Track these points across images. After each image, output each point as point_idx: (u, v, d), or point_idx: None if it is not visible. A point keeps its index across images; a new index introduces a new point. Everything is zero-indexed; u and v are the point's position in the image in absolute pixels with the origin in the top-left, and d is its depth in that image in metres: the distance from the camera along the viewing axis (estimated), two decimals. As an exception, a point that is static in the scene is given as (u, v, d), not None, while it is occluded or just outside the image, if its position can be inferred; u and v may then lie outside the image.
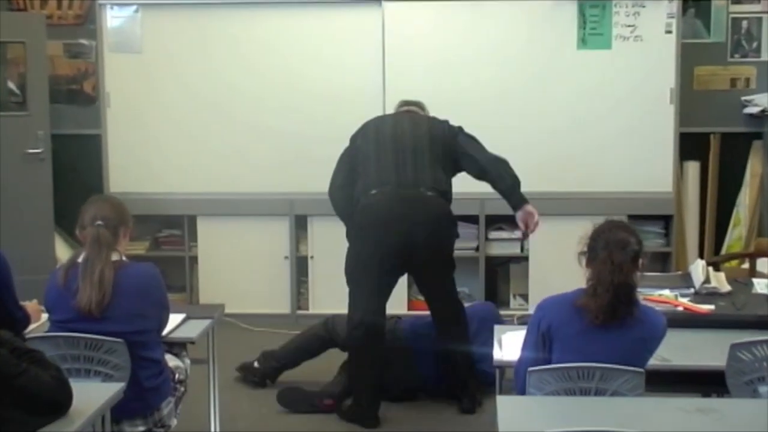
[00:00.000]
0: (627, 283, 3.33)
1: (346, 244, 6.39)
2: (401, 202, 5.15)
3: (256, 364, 5.67)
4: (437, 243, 5.22)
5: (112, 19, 7.00)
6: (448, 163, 5.34)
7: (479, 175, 5.36)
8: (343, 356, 5.51)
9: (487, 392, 5.21)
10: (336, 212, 5.50)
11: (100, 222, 3.76)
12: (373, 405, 5.21)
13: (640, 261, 3.40)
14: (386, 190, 5.17)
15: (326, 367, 5.63)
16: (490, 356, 3.97)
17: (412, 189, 5.19)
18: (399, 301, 6.65)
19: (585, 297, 3.37)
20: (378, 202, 5.17)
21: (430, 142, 5.31)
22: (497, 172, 5.31)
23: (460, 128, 5.42)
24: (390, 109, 6.75)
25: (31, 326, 4.07)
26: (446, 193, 5.27)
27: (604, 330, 3.34)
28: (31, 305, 4.13)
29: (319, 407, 5.34)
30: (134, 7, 6.97)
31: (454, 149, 5.34)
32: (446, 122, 5.44)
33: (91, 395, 3.20)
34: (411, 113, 5.60)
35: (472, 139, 5.40)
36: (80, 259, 3.74)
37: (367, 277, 5.19)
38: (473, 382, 5.35)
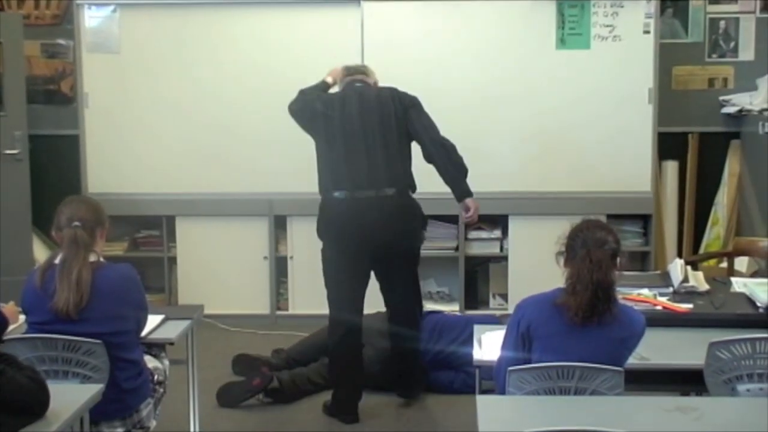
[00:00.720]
0: (606, 281, 3.34)
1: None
2: (358, 206, 5.11)
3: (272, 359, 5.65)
4: (398, 242, 5.21)
5: (90, 19, 6.97)
6: (404, 143, 5.24)
7: (426, 158, 5.27)
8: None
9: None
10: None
11: (76, 223, 3.74)
12: (354, 400, 5.23)
13: (618, 259, 3.42)
14: (345, 195, 5.13)
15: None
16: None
17: (368, 190, 5.12)
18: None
19: (564, 295, 3.37)
20: (338, 207, 5.15)
21: (383, 128, 5.16)
22: (442, 162, 5.22)
23: (412, 101, 5.28)
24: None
25: (9, 328, 4.04)
26: (408, 185, 5.23)
27: (583, 329, 3.35)
28: (8, 307, 4.10)
29: (251, 389, 5.40)
30: (112, 7, 6.94)
31: (405, 126, 5.22)
32: (395, 92, 5.29)
33: (69, 397, 3.19)
34: (362, 87, 5.35)
35: (423, 117, 5.26)
36: (57, 261, 3.72)
37: (339, 278, 5.20)
38: (419, 373, 5.46)
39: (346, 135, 5.15)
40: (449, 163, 5.23)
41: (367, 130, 5.15)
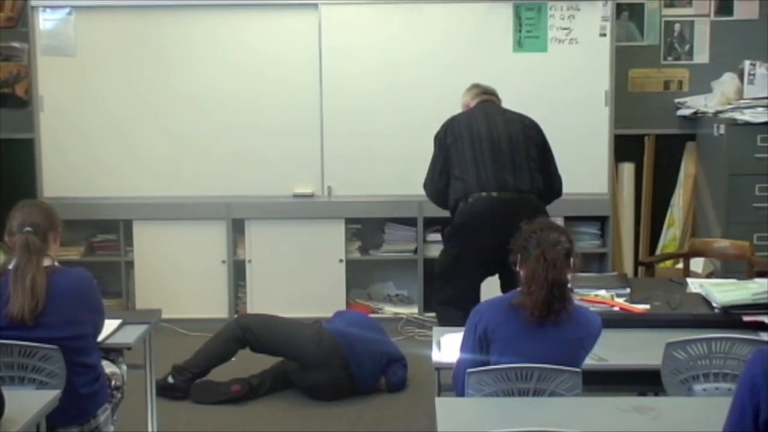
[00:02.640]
0: (560, 279, 3.37)
1: (283, 248, 6.35)
2: (501, 205, 5.26)
3: (170, 380, 5.57)
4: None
5: (45, 21, 6.91)
6: (542, 165, 5.51)
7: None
8: (255, 357, 5.65)
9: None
10: (437, 204, 5.55)
11: (28, 228, 3.70)
12: None
13: (572, 259, 3.45)
14: (486, 195, 5.27)
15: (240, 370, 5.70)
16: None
17: (511, 192, 5.31)
18: (338, 305, 6.66)
19: (520, 296, 3.40)
20: (479, 207, 5.27)
21: (525, 142, 5.42)
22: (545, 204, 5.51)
23: (543, 138, 5.56)
24: (328, 112, 6.77)
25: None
26: (542, 193, 5.48)
27: (540, 330, 3.37)
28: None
29: (229, 394, 5.49)
30: (67, 10, 6.88)
31: (544, 157, 5.52)
32: (537, 125, 5.56)
33: (26, 403, 3.16)
34: (494, 105, 5.60)
35: (552, 159, 5.60)
36: (11, 266, 3.68)
37: (465, 274, 5.32)
38: None
39: (493, 143, 5.35)
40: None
41: (514, 145, 5.39)
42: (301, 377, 5.60)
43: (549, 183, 5.52)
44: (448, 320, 5.27)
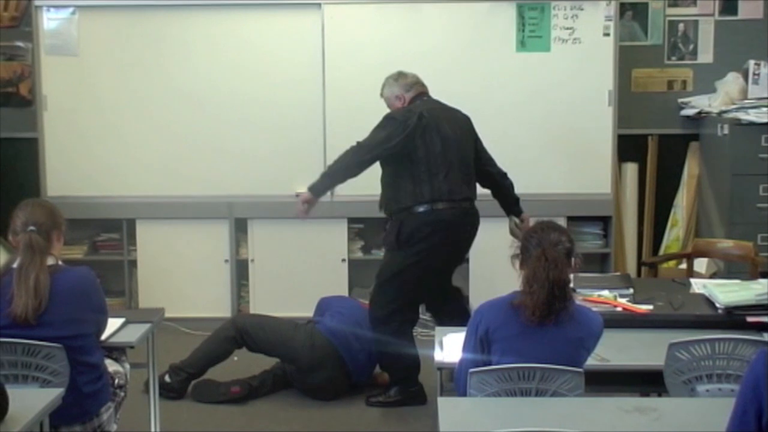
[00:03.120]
0: (561, 279, 3.38)
1: (286, 248, 6.33)
2: (465, 218, 5.38)
3: (167, 379, 5.56)
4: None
5: (49, 21, 6.91)
6: (480, 157, 5.61)
7: (486, 185, 5.63)
8: (255, 357, 5.69)
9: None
10: (351, 171, 5.37)
11: (32, 227, 3.71)
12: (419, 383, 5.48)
13: (573, 259, 3.45)
14: (454, 206, 5.31)
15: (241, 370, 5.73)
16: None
17: (468, 203, 5.42)
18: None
19: (521, 296, 3.40)
20: (449, 216, 5.30)
21: (468, 145, 5.49)
22: (506, 188, 5.70)
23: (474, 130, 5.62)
24: (330, 111, 6.77)
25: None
26: (500, 186, 5.72)
27: (541, 330, 3.37)
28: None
29: (229, 395, 5.51)
30: (71, 9, 6.88)
31: (480, 148, 5.62)
32: (470, 119, 5.62)
33: (29, 401, 3.17)
34: (437, 101, 5.56)
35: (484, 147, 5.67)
36: (15, 266, 3.69)
37: (418, 284, 5.38)
38: None
39: (454, 149, 5.35)
40: (511, 188, 5.72)
41: (466, 151, 5.46)
42: (299, 379, 5.62)
43: (495, 169, 5.65)
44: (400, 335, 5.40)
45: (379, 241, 6.90)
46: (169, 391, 5.52)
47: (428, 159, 5.25)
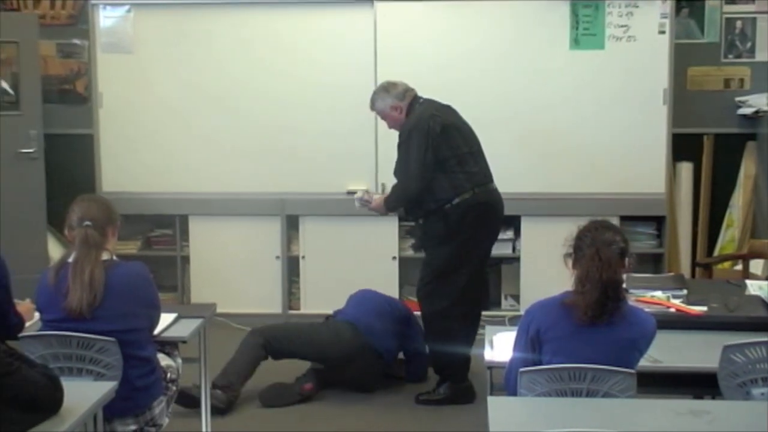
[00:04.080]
0: (615, 279, 3.35)
1: (337, 245, 6.35)
2: (499, 198, 5.50)
3: (218, 404, 5.31)
4: None
5: (105, 19, 6.99)
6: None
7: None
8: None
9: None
10: (407, 206, 5.48)
11: (87, 222, 3.75)
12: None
13: (627, 259, 3.42)
14: (489, 189, 5.45)
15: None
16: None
17: (494, 185, 5.52)
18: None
19: (573, 295, 3.38)
20: (489, 200, 5.42)
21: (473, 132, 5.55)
22: None
23: None
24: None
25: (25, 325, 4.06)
26: None
27: (593, 331, 3.35)
28: (24, 305, 4.11)
29: (302, 393, 5.52)
30: (126, 8, 6.95)
31: None
32: None
33: (83, 394, 3.20)
34: (433, 100, 5.61)
35: None
36: (70, 260, 3.73)
37: (468, 274, 5.40)
38: None
39: (473, 137, 5.48)
40: None
41: (471, 134, 5.51)
42: (333, 377, 5.64)
43: None
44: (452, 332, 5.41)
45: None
46: (220, 412, 5.34)
47: (455, 153, 5.33)
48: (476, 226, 5.35)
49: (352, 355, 5.56)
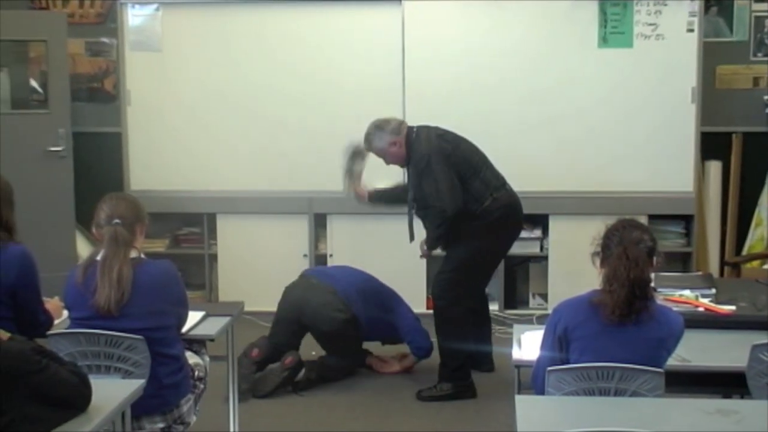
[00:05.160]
0: (643, 278, 3.34)
1: (364, 243, 6.38)
2: (517, 198, 5.60)
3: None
4: None
5: (133, 17, 7.03)
6: None
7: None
8: None
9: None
10: (450, 228, 5.45)
11: (117, 220, 3.76)
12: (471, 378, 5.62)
13: (655, 258, 3.41)
14: (508, 190, 5.56)
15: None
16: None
17: (510, 185, 5.60)
18: (418, 300, 6.63)
19: (601, 294, 3.37)
20: (508, 201, 5.53)
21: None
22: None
23: None
24: (410, 108, 6.77)
25: (54, 323, 4.08)
26: None
27: (621, 330, 3.34)
28: (52, 302, 4.14)
29: (285, 366, 5.61)
30: (155, 6, 6.99)
31: None
32: None
33: (111, 392, 3.22)
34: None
35: None
36: (99, 258, 3.75)
37: (485, 272, 5.68)
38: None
39: (480, 151, 5.60)
40: None
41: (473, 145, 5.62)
42: (315, 336, 5.80)
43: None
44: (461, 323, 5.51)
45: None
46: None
47: (470, 164, 5.45)
48: (498, 229, 5.48)
49: (322, 304, 5.68)
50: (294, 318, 5.76)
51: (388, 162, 5.65)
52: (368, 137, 5.59)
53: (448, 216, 5.35)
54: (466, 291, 5.53)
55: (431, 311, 5.96)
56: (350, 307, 5.73)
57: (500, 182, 5.53)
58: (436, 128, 5.57)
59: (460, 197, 5.35)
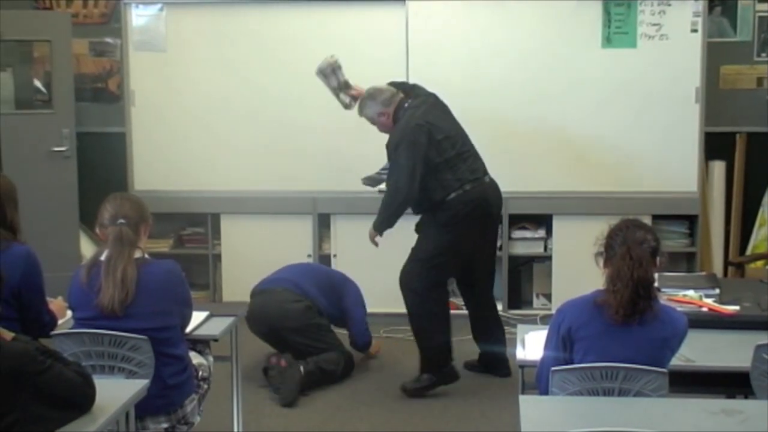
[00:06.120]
0: (646, 278, 3.34)
1: (368, 243, 6.34)
2: (490, 191, 5.61)
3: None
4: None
5: (137, 17, 7.03)
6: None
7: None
8: None
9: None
10: (397, 215, 5.59)
11: (122, 220, 3.77)
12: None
13: (658, 258, 3.41)
14: (479, 184, 5.54)
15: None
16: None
17: (488, 176, 5.63)
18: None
19: (605, 294, 3.37)
20: (479, 194, 5.52)
21: (459, 125, 5.70)
22: None
23: None
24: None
25: (58, 323, 4.09)
26: None
27: (624, 329, 3.34)
28: (56, 302, 4.15)
29: (267, 364, 5.67)
30: (159, 6, 6.99)
31: None
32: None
33: (115, 392, 3.22)
34: (421, 94, 5.76)
35: None
36: (103, 258, 3.75)
37: (456, 260, 5.60)
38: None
39: (459, 133, 5.64)
40: None
41: (458, 130, 5.67)
42: (295, 344, 5.74)
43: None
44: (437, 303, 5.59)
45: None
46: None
47: (444, 156, 5.48)
48: (466, 221, 5.50)
49: (298, 316, 5.69)
50: (266, 330, 5.75)
51: (379, 130, 5.76)
52: (361, 103, 5.78)
53: (399, 201, 5.48)
54: (435, 281, 5.58)
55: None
56: (306, 294, 5.79)
57: (475, 176, 5.54)
58: (426, 110, 5.59)
59: (416, 189, 5.42)
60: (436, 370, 5.56)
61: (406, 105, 5.62)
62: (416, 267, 5.57)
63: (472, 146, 5.63)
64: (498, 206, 5.72)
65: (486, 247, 5.75)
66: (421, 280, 5.53)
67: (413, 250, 5.65)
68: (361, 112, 5.78)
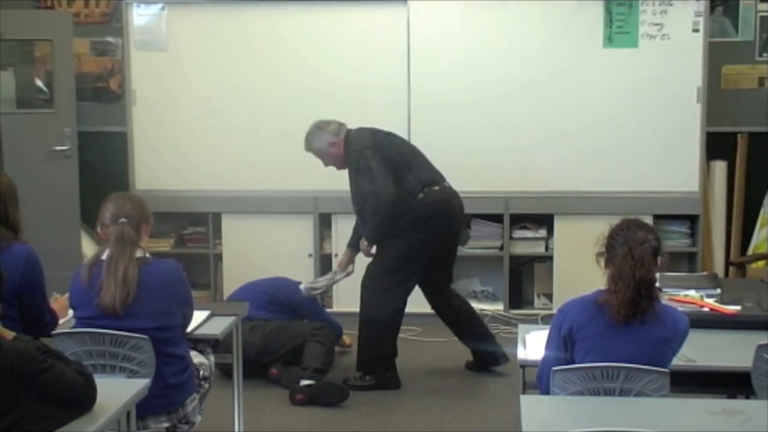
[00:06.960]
0: (648, 278, 3.34)
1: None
2: (454, 196, 5.67)
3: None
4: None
5: (139, 17, 7.04)
6: None
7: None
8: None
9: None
10: (387, 217, 5.54)
11: (123, 220, 3.77)
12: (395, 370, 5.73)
13: (659, 258, 3.41)
14: (444, 187, 5.64)
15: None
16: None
17: (447, 183, 5.69)
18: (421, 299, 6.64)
19: (606, 294, 3.37)
20: (443, 197, 5.62)
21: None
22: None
23: None
24: (415, 108, 6.78)
25: (60, 322, 4.09)
26: None
27: (626, 329, 3.34)
28: (58, 301, 4.15)
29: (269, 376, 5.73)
30: (160, 6, 6.99)
31: None
32: None
33: (116, 391, 3.22)
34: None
35: None
36: (104, 257, 3.75)
37: (420, 265, 5.63)
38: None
39: (413, 147, 5.85)
40: None
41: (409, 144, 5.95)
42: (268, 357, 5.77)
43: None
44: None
45: (464, 237, 6.83)
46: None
47: (404, 159, 5.61)
48: (428, 225, 5.55)
49: (254, 341, 5.64)
50: (248, 366, 5.45)
51: (326, 163, 5.82)
52: (308, 137, 5.78)
53: (384, 202, 5.47)
54: (395, 286, 5.62)
55: (432, 311, 6.00)
56: (249, 317, 5.40)
57: (434, 179, 5.63)
58: (372, 128, 5.73)
59: (393, 186, 5.47)
60: (376, 374, 5.64)
61: (354, 130, 5.74)
62: (380, 272, 5.65)
63: (425, 158, 5.74)
64: (460, 208, 5.73)
65: (451, 248, 5.81)
66: (382, 285, 5.62)
67: (376, 254, 5.72)
68: (309, 147, 5.79)
